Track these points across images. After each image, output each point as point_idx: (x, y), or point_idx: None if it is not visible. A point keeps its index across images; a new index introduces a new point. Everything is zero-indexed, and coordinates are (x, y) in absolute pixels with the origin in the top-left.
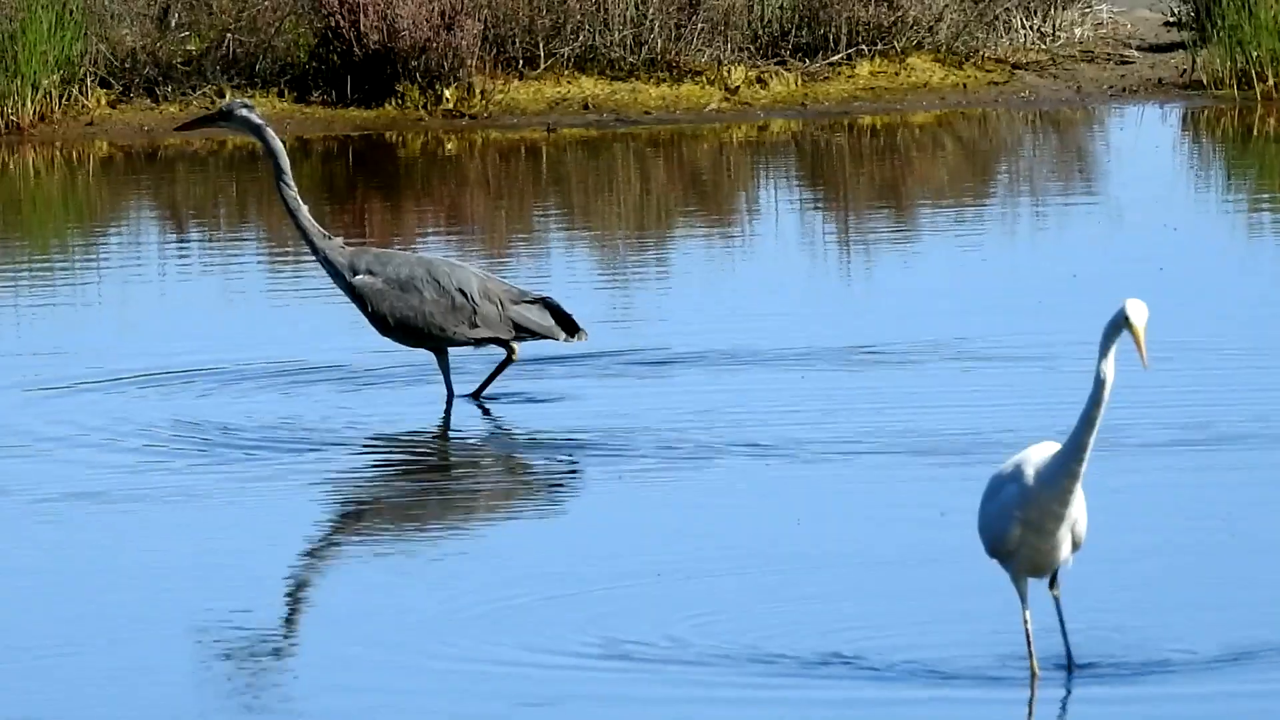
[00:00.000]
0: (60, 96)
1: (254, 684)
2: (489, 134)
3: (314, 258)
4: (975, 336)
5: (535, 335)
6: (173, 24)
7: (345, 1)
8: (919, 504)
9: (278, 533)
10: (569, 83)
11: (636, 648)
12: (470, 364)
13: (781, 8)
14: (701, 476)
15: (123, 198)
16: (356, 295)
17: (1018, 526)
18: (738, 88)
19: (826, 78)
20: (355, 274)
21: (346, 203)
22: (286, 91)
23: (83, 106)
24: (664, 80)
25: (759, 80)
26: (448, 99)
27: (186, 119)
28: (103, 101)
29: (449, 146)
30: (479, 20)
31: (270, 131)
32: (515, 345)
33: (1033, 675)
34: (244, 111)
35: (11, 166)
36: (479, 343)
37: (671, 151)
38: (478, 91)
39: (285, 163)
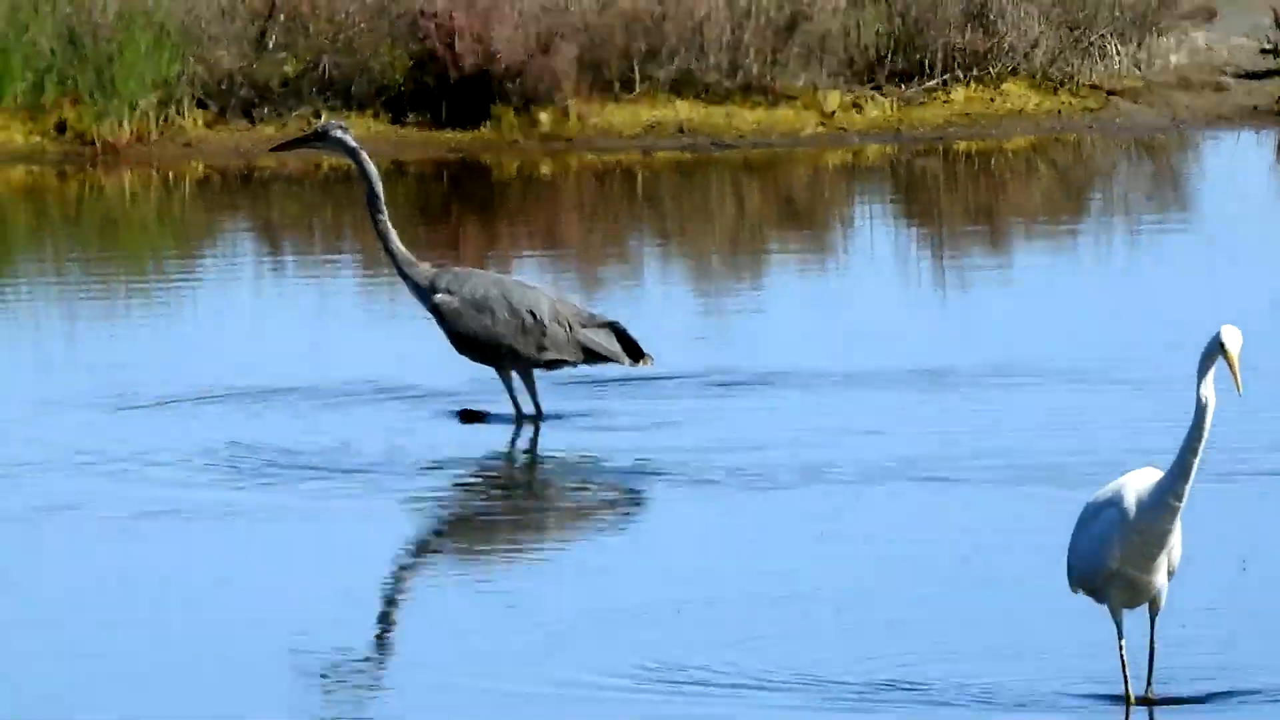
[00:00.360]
0: (157, 117)
1: (333, 701)
2: (584, 157)
3: (403, 283)
4: (1061, 357)
5: (602, 359)
6: (270, 46)
7: (442, 24)
8: (1018, 529)
9: (357, 552)
10: (664, 106)
11: (709, 673)
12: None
13: (878, 33)
14: (785, 498)
15: (218, 218)
16: (435, 312)
17: (1116, 554)
18: (833, 112)
19: (922, 103)
20: (435, 292)
21: (441, 224)
22: (382, 113)
23: (179, 127)
24: (759, 104)
25: (854, 105)
26: (543, 122)
27: (282, 140)
28: (199, 122)
29: (544, 169)
30: (575, 43)
31: (364, 155)
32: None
33: (1127, 703)
34: (339, 133)
35: (108, 187)
36: (548, 364)
37: (766, 175)
38: (573, 114)
39: (379, 187)
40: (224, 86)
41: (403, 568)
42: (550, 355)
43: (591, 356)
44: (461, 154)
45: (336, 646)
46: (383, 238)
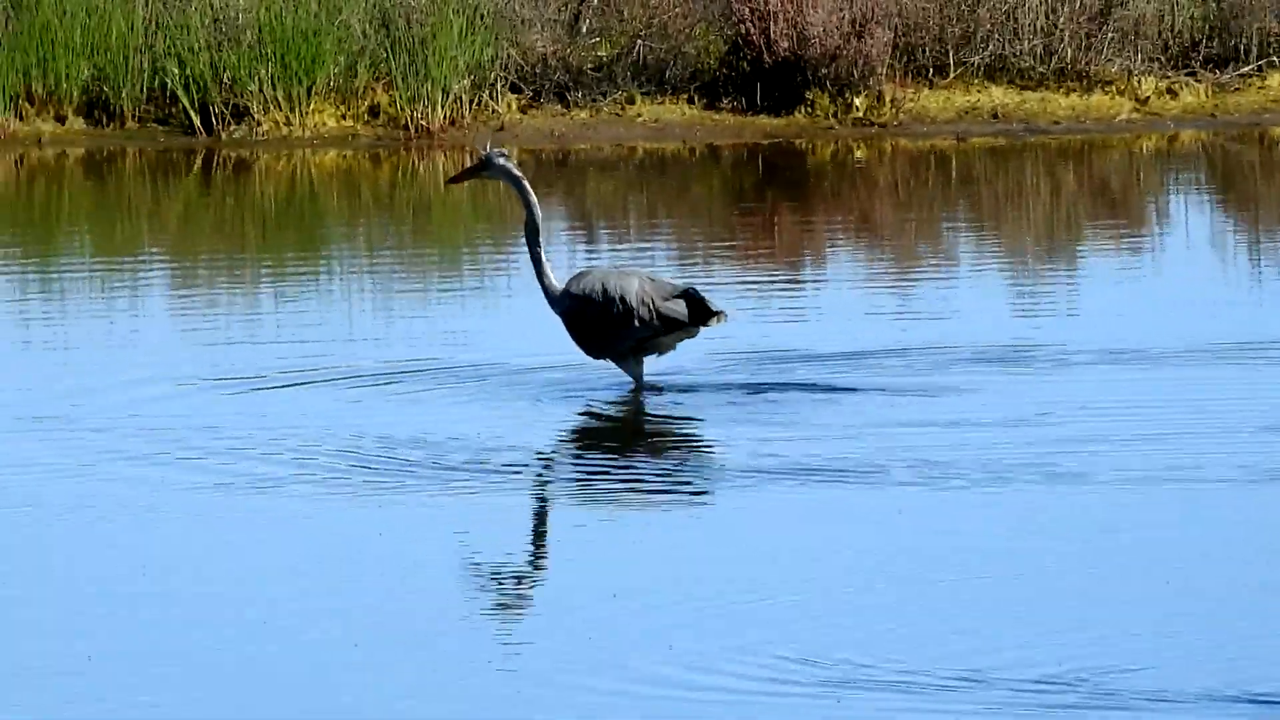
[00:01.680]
0: (470, 101)
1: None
2: (898, 142)
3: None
4: None
5: (680, 326)
6: (583, 30)
7: (756, 9)
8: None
9: (456, 537)
10: (978, 91)
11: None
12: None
13: (1192, 18)
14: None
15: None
16: (562, 319)
17: None
18: (1148, 98)
19: (1237, 89)
20: (562, 299)
21: (755, 210)
22: (696, 98)
23: (492, 111)
24: (1074, 90)
25: (1169, 91)
26: (857, 107)
27: (596, 124)
28: (513, 106)
29: (858, 154)
30: (889, 28)
31: (526, 183)
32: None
33: None
34: (501, 160)
35: (421, 170)
36: (637, 348)
37: (1080, 161)
38: (887, 99)
39: (539, 219)
40: (537, 70)
41: (494, 555)
42: (640, 334)
43: (673, 326)
44: (775, 139)
45: (463, 640)
46: (536, 266)
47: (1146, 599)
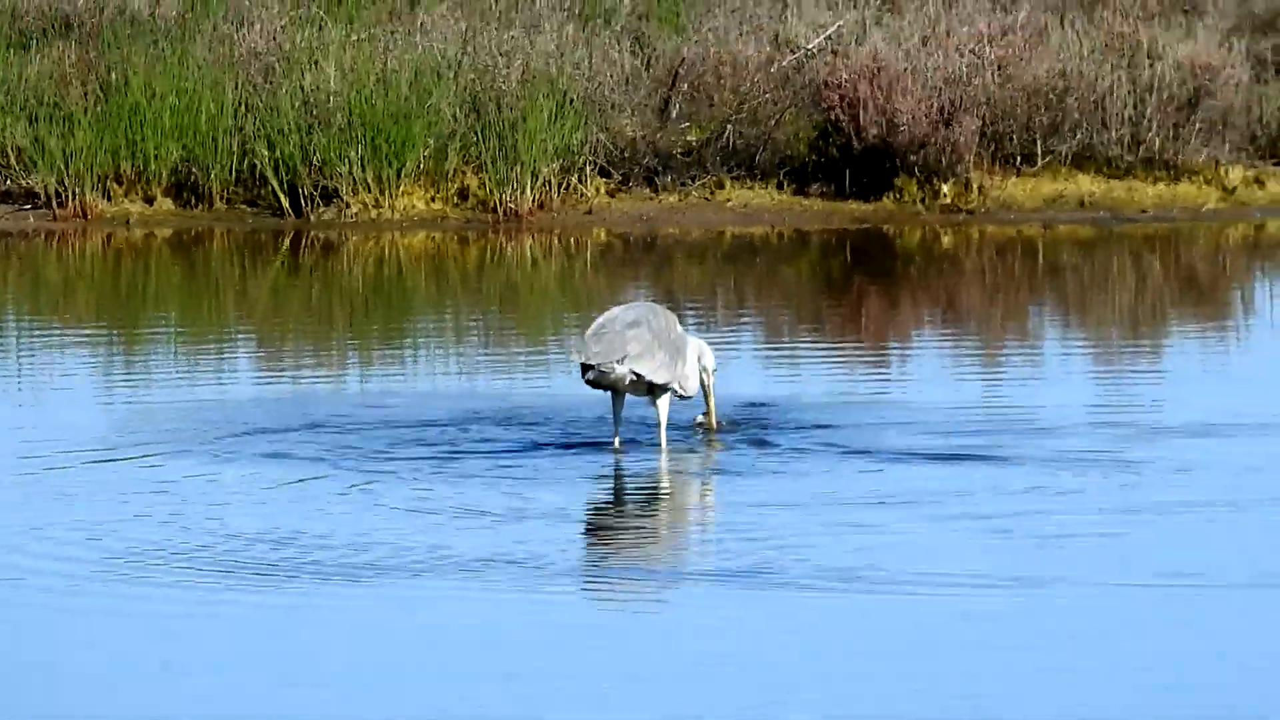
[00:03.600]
0: (559, 184)
1: None
2: (985, 229)
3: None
4: None
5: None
6: (673, 114)
7: (845, 96)
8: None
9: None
10: (1065, 180)
11: None
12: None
13: (1279, 109)
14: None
15: (620, 285)
16: None
17: None
18: (1235, 187)
19: None
20: None
21: (844, 295)
22: (785, 183)
23: (581, 195)
24: (1161, 179)
25: (1256, 180)
26: (945, 194)
27: (684, 208)
28: (601, 190)
29: (945, 240)
30: (977, 116)
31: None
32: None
33: None
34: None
35: (509, 253)
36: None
37: (1167, 249)
38: (975, 187)
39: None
40: (626, 154)
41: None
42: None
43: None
44: (864, 224)
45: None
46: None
47: None
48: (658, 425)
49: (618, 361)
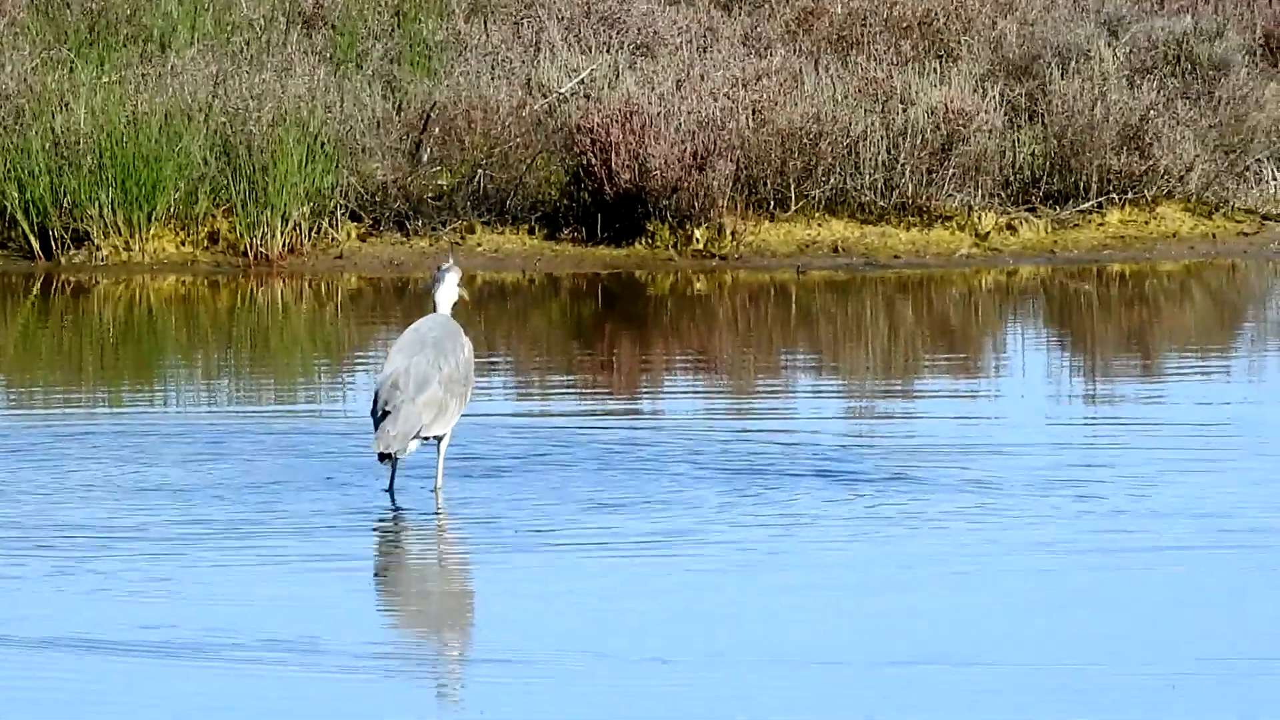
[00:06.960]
0: (310, 228)
1: None
2: (738, 274)
3: None
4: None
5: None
6: (424, 159)
7: (597, 140)
8: None
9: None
10: (819, 225)
11: None
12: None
13: (1032, 155)
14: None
15: (370, 331)
16: None
17: None
18: (988, 233)
19: (1076, 225)
20: None
21: (595, 340)
22: (537, 228)
23: (332, 239)
24: (914, 224)
25: (1009, 226)
26: (698, 239)
27: (435, 252)
28: (352, 234)
29: (698, 286)
30: (731, 161)
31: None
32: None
33: None
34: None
35: (260, 298)
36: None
37: (920, 295)
38: (728, 232)
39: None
40: (378, 199)
41: None
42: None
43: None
44: (616, 270)
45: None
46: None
47: None
48: (438, 458)
49: (414, 438)
